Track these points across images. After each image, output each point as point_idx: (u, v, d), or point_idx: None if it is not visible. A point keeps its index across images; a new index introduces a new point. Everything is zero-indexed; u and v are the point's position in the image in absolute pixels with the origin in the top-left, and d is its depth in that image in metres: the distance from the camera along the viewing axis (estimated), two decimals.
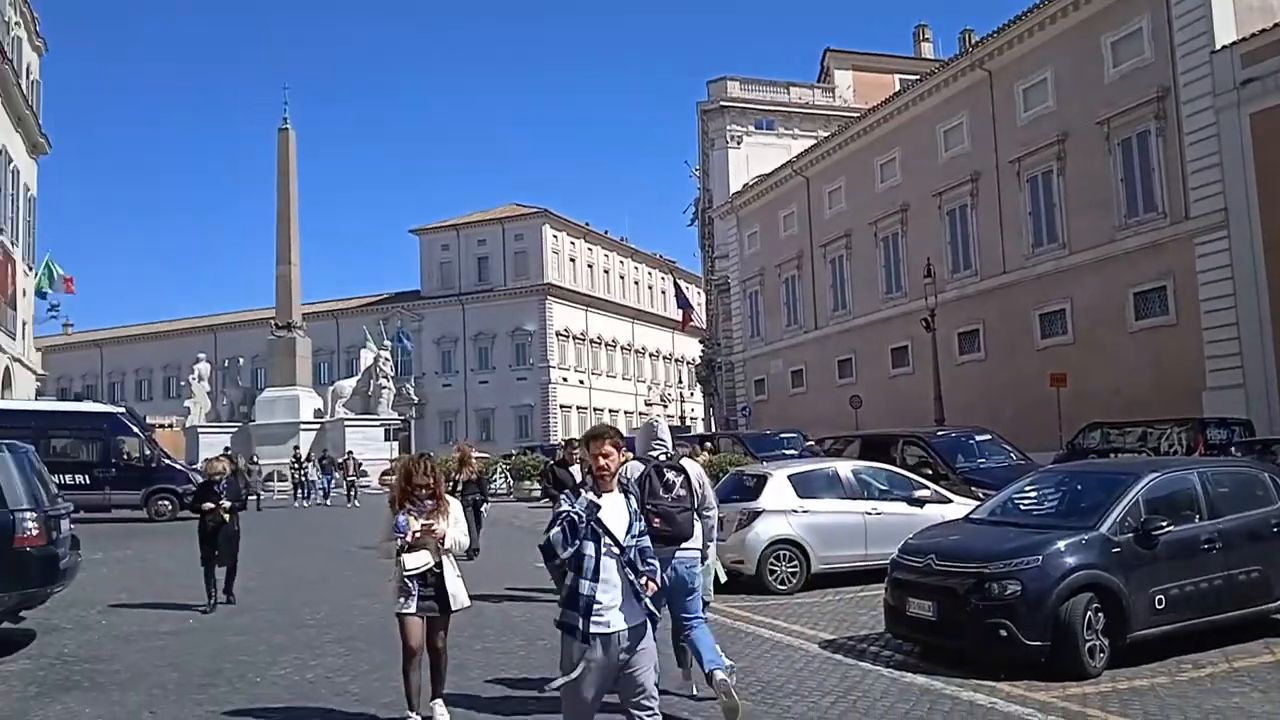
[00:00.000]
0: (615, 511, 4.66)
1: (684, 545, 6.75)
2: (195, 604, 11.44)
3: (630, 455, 6.05)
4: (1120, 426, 21.13)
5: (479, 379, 74.40)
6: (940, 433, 19.68)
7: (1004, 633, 7.42)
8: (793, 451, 22.54)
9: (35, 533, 9.01)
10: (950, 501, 12.76)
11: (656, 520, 6.44)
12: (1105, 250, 27.36)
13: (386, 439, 43.18)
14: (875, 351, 38.13)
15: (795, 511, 12.15)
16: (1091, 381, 26.40)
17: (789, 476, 12.64)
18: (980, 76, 32.47)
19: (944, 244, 34.14)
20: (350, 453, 37.19)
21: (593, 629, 4.48)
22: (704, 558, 7.07)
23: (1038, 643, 7.38)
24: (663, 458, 6.93)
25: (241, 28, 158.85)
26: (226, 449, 33.37)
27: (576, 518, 4.55)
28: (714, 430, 47.54)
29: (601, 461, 4.77)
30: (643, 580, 4.65)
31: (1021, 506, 9.32)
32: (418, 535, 6.27)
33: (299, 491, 34.64)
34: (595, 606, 4.50)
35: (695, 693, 7.01)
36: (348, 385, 49.51)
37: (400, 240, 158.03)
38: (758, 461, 18.32)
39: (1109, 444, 20.50)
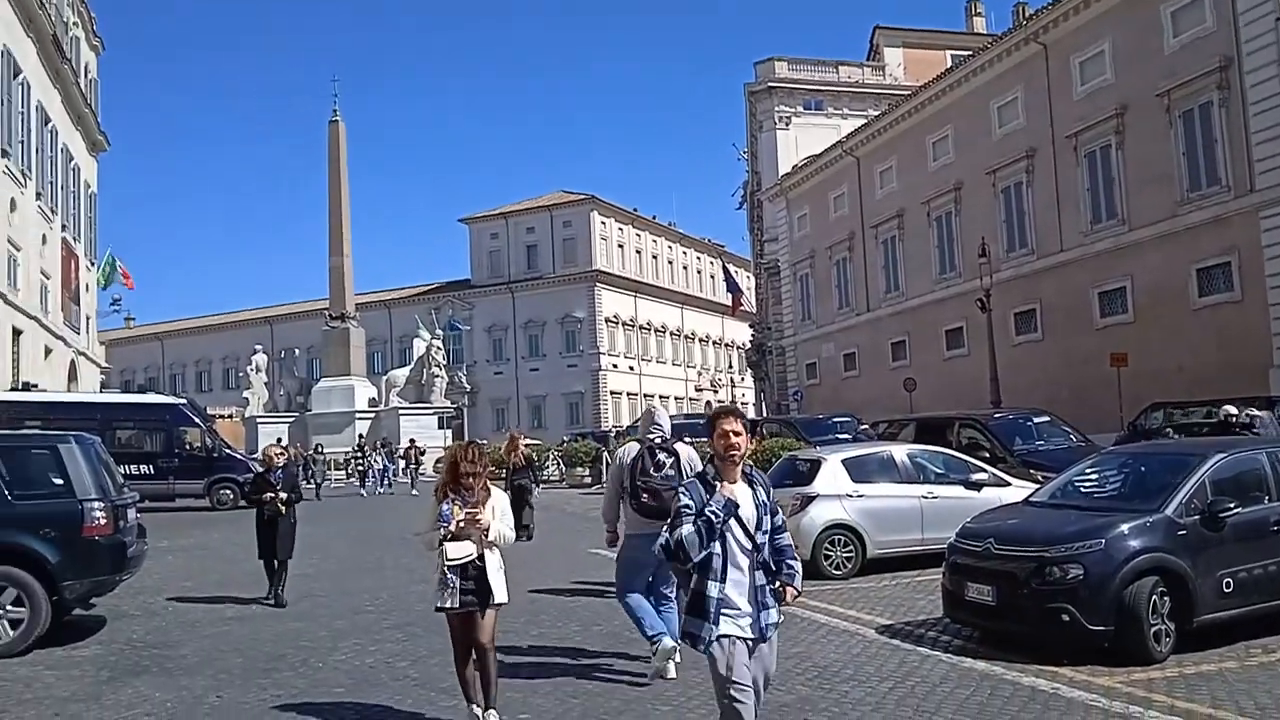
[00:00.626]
0: (743, 504, 4.23)
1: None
2: (258, 597, 11.16)
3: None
4: (1184, 406, 20.64)
5: (529, 366, 74.85)
6: (997, 415, 19.37)
7: (1066, 617, 7.30)
8: (846, 436, 22.38)
9: (103, 522, 9.22)
10: (1008, 484, 12.57)
11: (645, 495, 7.34)
12: (1166, 226, 26.71)
13: (440, 427, 43.73)
14: (929, 333, 37.66)
15: (850, 496, 12.05)
16: (1153, 361, 25.82)
17: (843, 461, 12.54)
18: (1035, 50, 31.79)
19: (999, 222, 33.56)
20: (412, 440, 37.50)
21: (720, 631, 4.09)
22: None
23: (1101, 627, 7.25)
24: (658, 441, 7.63)
25: (290, 17, 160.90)
26: (279, 440, 33.87)
27: (714, 517, 4.08)
28: (763, 415, 47.38)
29: (732, 440, 4.26)
30: (776, 584, 4.24)
31: (1083, 489, 9.14)
32: (461, 525, 6.04)
33: (362, 480, 34.46)
34: (725, 611, 4.11)
35: (670, 675, 7.18)
36: (401, 374, 50.09)
37: (450, 230, 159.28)
38: (810, 446, 18.19)
39: (1172, 424, 20.05)
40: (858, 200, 43.17)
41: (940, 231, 37.48)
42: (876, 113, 44.34)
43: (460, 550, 6.03)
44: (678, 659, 7.08)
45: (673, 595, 7.31)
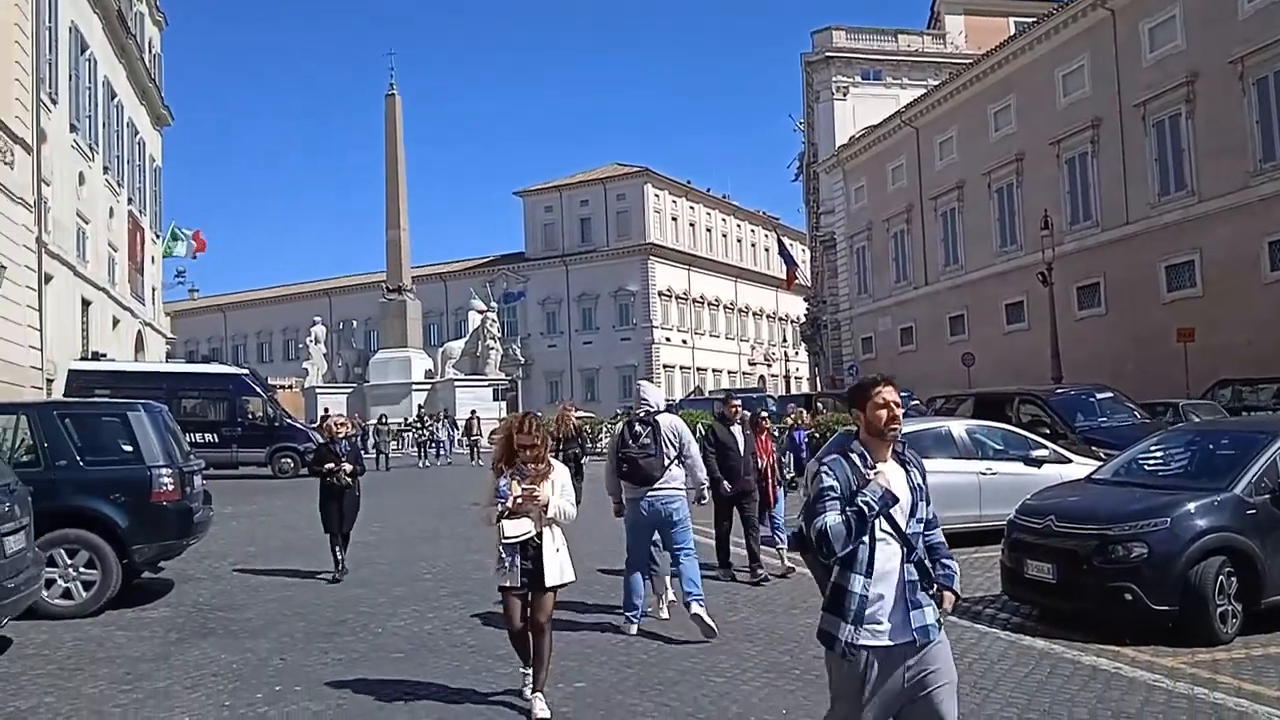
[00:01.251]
0: (897, 489, 3.60)
1: (656, 486, 7.91)
2: (321, 571, 10.91)
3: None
4: (1253, 383, 20.08)
5: (583, 339, 75.12)
6: (1059, 390, 19.03)
7: (1129, 596, 7.18)
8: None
9: (171, 488, 9.47)
10: (1070, 461, 12.34)
11: (625, 465, 7.96)
12: (1238, 197, 25.89)
13: (495, 399, 44.08)
14: (989, 307, 37.04)
15: None
16: (1221, 336, 25.13)
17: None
18: (1102, 16, 30.89)
19: (1062, 194, 32.81)
20: (473, 411, 37.65)
21: (863, 639, 3.54)
22: (700, 498, 8.62)
23: (1165, 607, 7.13)
24: (641, 414, 8.15)
25: None
26: (326, 410, 33.93)
27: (867, 509, 3.50)
28: (818, 390, 47.07)
29: (895, 412, 3.69)
30: (934, 587, 3.66)
31: (1147, 467, 8.96)
32: (519, 501, 5.78)
33: (421, 451, 33.83)
34: (869, 611, 3.55)
35: (663, 615, 8.35)
36: (457, 346, 50.54)
37: (505, 203, 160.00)
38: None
39: (1240, 402, 19.53)
40: (916, 171, 42.47)
41: (1001, 203, 36.76)
42: (936, 82, 43.51)
43: (517, 528, 5.80)
44: (705, 616, 7.70)
45: (691, 549, 8.07)
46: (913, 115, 42.26)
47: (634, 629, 7.91)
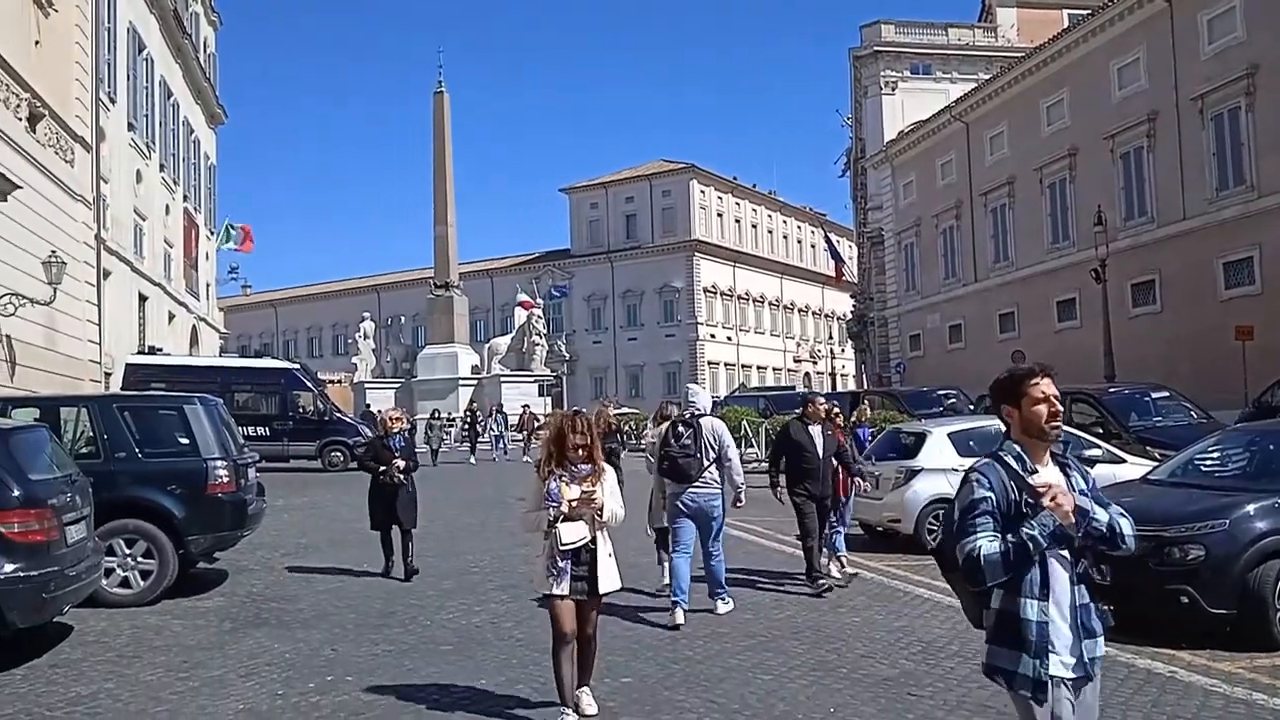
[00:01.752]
0: (1065, 504, 3.06)
1: (695, 484, 8.36)
2: (372, 571, 10.59)
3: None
4: None
5: (628, 336, 75.22)
6: (1112, 389, 18.70)
7: (1184, 599, 7.05)
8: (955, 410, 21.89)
9: (226, 480, 9.65)
10: (1123, 461, 12.15)
11: (665, 464, 8.46)
12: None
13: (540, 394, 44.35)
14: (1040, 305, 36.46)
15: (955, 470, 11.74)
16: None
17: (949, 434, 12.28)
18: (1159, 8, 30.21)
19: (1116, 189, 32.17)
20: (526, 406, 37.61)
21: (1054, 670, 3.06)
22: (737, 500, 8.78)
23: (1222, 611, 6.99)
24: (687, 415, 8.59)
25: None
26: (367, 405, 33.87)
27: (1033, 543, 2.99)
28: (863, 387, 46.71)
29: (1056, 408, 3.24)
30: (1104, 610, 3.22)
31: (1204, 468, 8.79)
32: (574, 505, 5.44)
33: (472, 447, 32.91)
34: (1051, 639, 3.07)
35: (676, 619, 8.08)
36: (503, 342, 50.91)
37: (551, 199, 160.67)
38: (915, 419, 17.87)
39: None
40: (966, 167, 41.92)
41: (1053, 199, 36.15)
42: (987, 76, 42.89)
43: (574, 533, 5.43)
44: (726, 606, 8.46)
45: (719, 548, 8.59)
46: (963, 110, 41.71)
47: (680, 615, 8.08)
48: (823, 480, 9.46)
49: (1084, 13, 36.52)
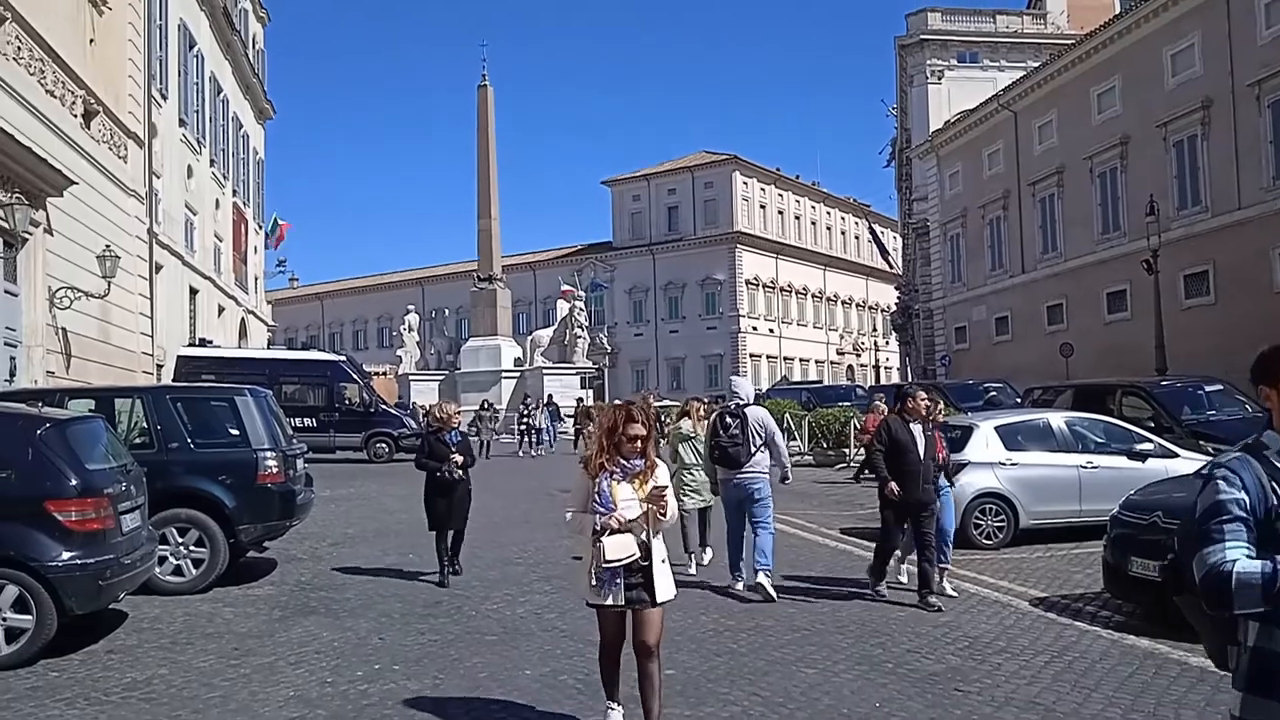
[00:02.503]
0: None
1: (743, 470, 9.10)
2: (422, 572, 10.00)
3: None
4: None
5: (669, 328, 75.16)
6: (1164, 383, 18.33)
7: None
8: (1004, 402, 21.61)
9: (275, 470, 9.81)
10: (1176, 456, 11.93)
11: (716, 452, 9.20)
12: None
13: (582, 386, 44.44)
14: (1089, 296, 35.87)
15: (1003, 464, 11.67)
16: None
17: (996, 428, 12.14)
18: None
19: (1169, 178, 31.53)
20: (580, 400, 37.38)
21: None
22: (784, 478, 9.59)
23: None
24: (733, 406, 9.32)
25: None
26: (400, 398, 33.32)
27: None
28: (909, 380, 46.28)
29: None
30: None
31: None
32: (627, 518, 4.87)
33: (523, 440, 32.41)
34: None
35: (739, 588, 9.07)
36: (545, 334, 51.03)
37: (593, 192, 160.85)
38: (961, 412, 17.68)
39: None
40: (1014, 156, 41.31)
41: (1104, 188, 35.51)
42: (1036, 64, 42.21)
43: (621, 549, 4.81)
44: (769, 588, 8.80)
45: (768, 523, 9.11)
46: (1011, 98, 41.09)
47: (740, 585, 9.07)
48: (923, 485, 8.57)
49: None
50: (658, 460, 5.12)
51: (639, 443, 4.97)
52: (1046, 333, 38.07)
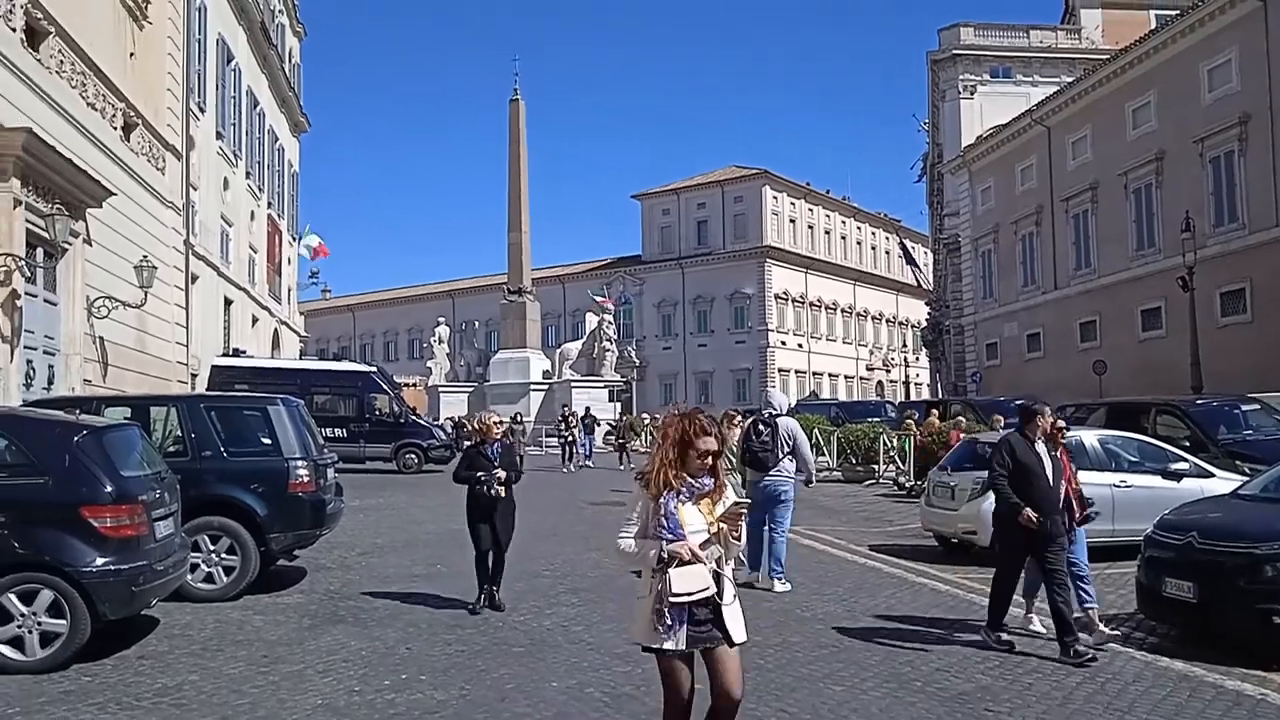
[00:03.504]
0: None
1: (770, 473, 10.08)
2: (464, 602, 9.06)
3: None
4: None
5: (698, 342, 75.14)
6: (1200, 401, 18.08)
7: (1277, 619, 6.78)
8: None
9: (306, 480, 9.89)
10: (1212, 476, 11.74)
11: (748, 456, 10.10)
12: None
13: (610, 399, 44.51)
14: (1123, 313, 35.49)
15: None
16: None
17: None
18: (1253, 7, 29.22)
19: (1205, 195, 31.18)
20: (623, 413, 36.78)
21: None
22: (808, 481, 10.94)
23: None
24: (765, 415, 10.30)
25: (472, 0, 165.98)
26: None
27: None
28: (940, 396, 45.99)
29: None
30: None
31: None
32: (710, 535, 4.16)
33: (565, 454, 30.99)
34: None
35: (758, 583, 9.90)
36: (574, 347, 51.22)
37: (623, 206, 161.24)
38: (991, 429, 17.52)
39: None
40: (1047, 172, 41.02)
41: (1138, 204, 35.17)
42: (1070, 79, 41.93)
43: (692, 582, 4.08)
44: (783, 586, 9.77)
45: (784, 528, 10.07)
46: (1044, 113, 40.83)
47: (757, 576, 9.97)
48: (1053, 513, 7.56)
49: (1172, 13, 35.51)
50: (725, 480, 4.44)
51: (710, 459, 4.26)
52: (1079, 350, 37.70)
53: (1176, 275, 27.05)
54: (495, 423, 9.42)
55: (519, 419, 32.10)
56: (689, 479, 4.23)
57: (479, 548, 9.12)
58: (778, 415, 10.36)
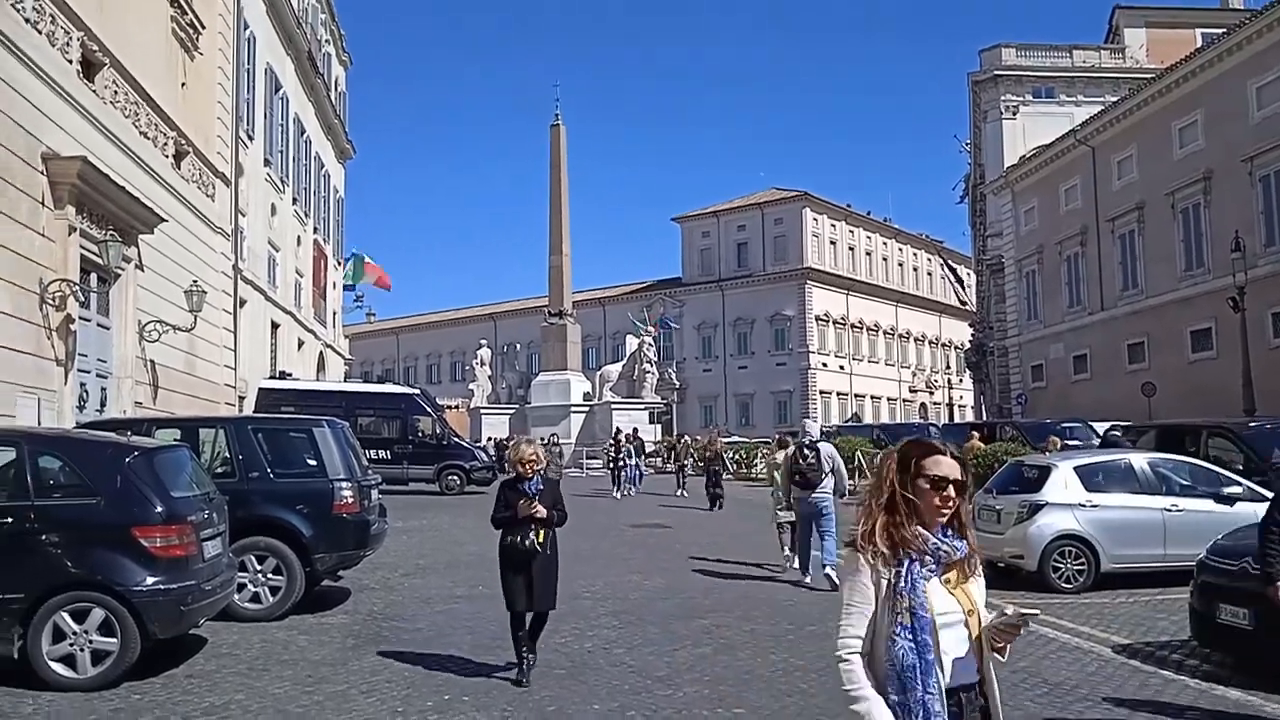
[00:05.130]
0: None
1: (817, 491, 11.83)
2: (503, 665, 7.52)
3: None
4: None
5: (738, 364, 74.94)
6: (1253, 423, 17.63)
7: None
8: (1076, 442, 21.09)
9: (351, 501, 9.98)
10: (1266, 500, 11.44)
11: (798, 476, 12.00)
12: None
13: (651, 422, 44.46)
14: (1172, 335, 34.86)
15: (1083, 505, 11.36)
16: None
17: (1075, 468, 11.83)
18: None
19: (1255, 214, 30.61)
20: (682, 434, 35.69)
21: None
22: (841, 494, 12.28)
23: None
24: (807, 442, 12.28)
25: (512, 15, 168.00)
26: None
27: None
28: (985, 418, 45.42)
29: None
30: None
31: None
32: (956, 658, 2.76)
33: (615, 480, 28.18)
34: None
35: (808, 582, 11.67)
36: (614, 369, 51.27)
37: (663, 228, 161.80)
38: (1037, 452, 17.27)
39: None
40: (1092, 192, 40.52)
41: (1186, 224, 34.61)
42: (1115, 98, 41.48)
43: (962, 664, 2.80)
44: (830, 580, 11.03)
45: (832, 531, 11.58)
46: (1089, 133, 40.40)
47: (808, 579, 11.67)
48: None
49: (1219, 32, 35.07)
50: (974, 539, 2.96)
51: (952, 495, 2.82)
52: (1127, 371, 37.07)
53: (1227, 295, 26.57)
54: (531, 455, 7.41)
55: (554, 440, 29.74)
56: (922, 533, 2.80)
57: (513, 607, 7.36)
58: (817, 441, 12.32)
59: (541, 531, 7.24)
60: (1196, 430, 17.31)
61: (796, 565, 12.23)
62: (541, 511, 7.19)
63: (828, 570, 11.20)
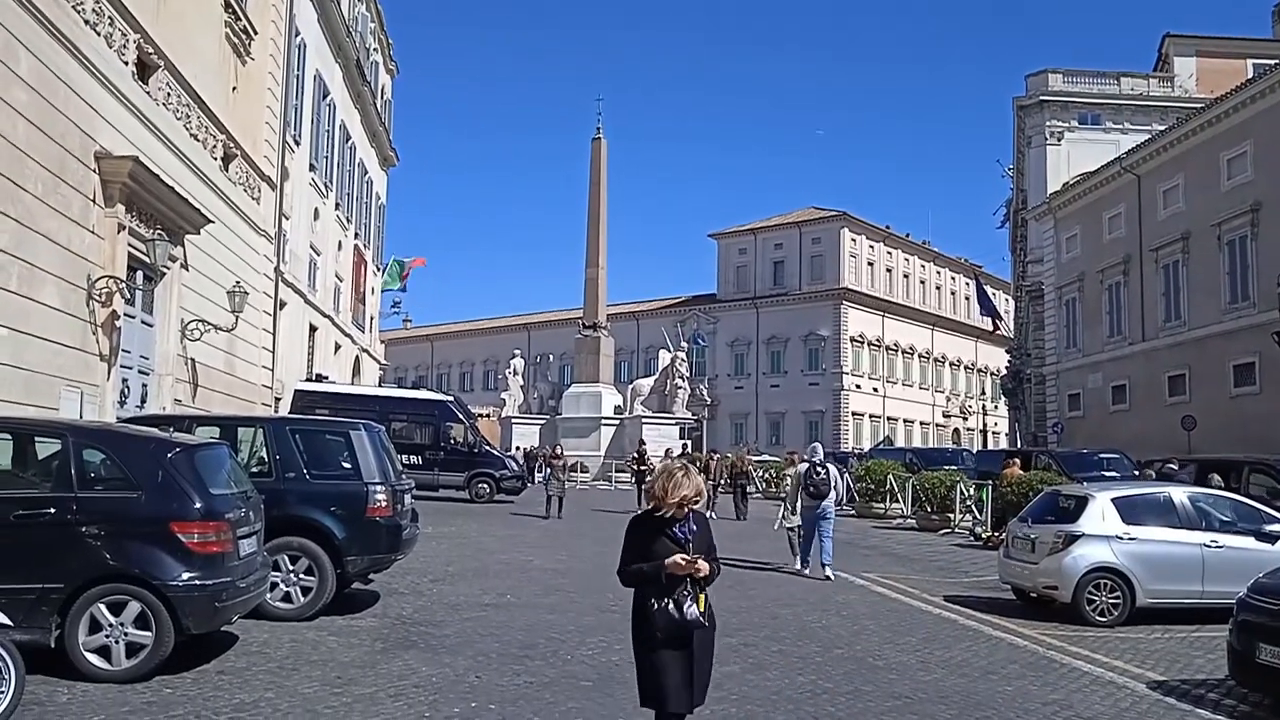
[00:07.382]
0: None
1: (823, 501, 14.60)
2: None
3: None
4: None
5: (770, 382, 74.69)
6: None
7: None
8: (1114, 474, 20.80)
9: (384, 504, 10.04)
10: None
11: (810, 488, 14.67)
12: None
13: (681, 437, 44.41)
14: (1214, 368, 34.29)
15: (1119, 538, 11.19)
16: None
17: (1113, 499, 11.65)
18: None
19: None
20: (714, 450, 34.24)
21: None
22: (839, 502, 16.10)
23: None
24: (817, 461, 15.06)
25: (554, 27, 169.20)
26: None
27: None
28: (1019, 446, 44.94)
29: None
30: None
31: None
32: None
33: (642, 494, 24.51)
34: None
35: (806, 573, 14.47)
36: (646, 384, 51.28)
37: (699, 245, 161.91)
38: (1074, 482, 17.05)
39: None
40: (1136, 221, 40.02)
41: (1232, 256, 34.07)
42: (1162, 127, 41.00)
43: None
44: (832, 575, 14.21)
45: (831, 534, 14.69)
46: (1135, 161, 39.94)
47: (806, 570, 14.54)
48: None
49: (1270, 63, 34.59)
50: None
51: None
52: (1167, 404, 36.51)
53: (1272, 330, 26.13)
54: (697, 494, 4.85)
55: (558, 452, 26.70)
56: None
57: (663, 707, 4.78)
58: (825, 462, 15.19)
59: (701, 596, 4.79)
60: (1238, 465, 17.07)
61: (799, 563, 14.88)
62: (704, 568, 4.77)
63: (826, 570, 14.23)
